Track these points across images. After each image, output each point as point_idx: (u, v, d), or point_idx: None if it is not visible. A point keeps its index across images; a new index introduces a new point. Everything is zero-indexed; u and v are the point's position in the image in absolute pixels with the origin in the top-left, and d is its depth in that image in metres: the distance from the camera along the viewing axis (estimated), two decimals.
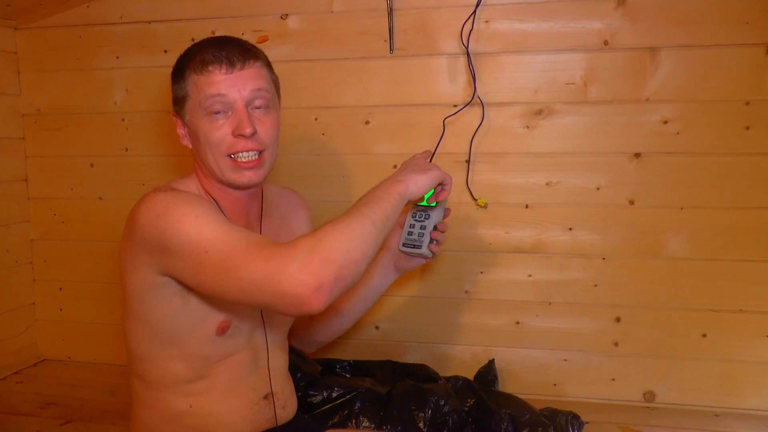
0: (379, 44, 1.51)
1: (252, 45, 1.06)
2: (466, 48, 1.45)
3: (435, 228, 1.19)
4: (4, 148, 1.71)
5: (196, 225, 0.90)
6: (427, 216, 1.19)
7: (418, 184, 1.02)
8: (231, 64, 1.00)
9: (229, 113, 1.01)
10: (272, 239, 0.91)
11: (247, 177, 1.04)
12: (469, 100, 1.46)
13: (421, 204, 1.18)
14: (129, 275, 1.01)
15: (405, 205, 1.02)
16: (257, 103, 1.02)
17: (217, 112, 1.00)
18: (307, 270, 0.81)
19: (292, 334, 1.29)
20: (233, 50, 1.01)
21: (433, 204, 1.17)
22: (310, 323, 1.35)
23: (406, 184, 1.00)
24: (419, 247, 1.19)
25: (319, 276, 0.81)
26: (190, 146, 1.08)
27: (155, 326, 1.04)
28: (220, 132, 1.01)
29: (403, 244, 1.21)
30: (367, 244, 0.88)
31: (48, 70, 1.72)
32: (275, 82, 1.09)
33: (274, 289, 0.82)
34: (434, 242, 1.20)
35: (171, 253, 0.91)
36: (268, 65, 1.08)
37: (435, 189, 1.11)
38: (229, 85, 1.00)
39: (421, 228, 1.19)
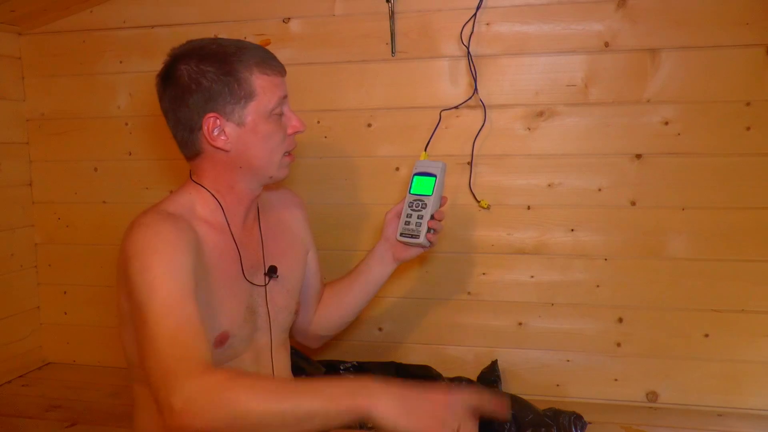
0: (381, 47, 1.52)
1: None
2: (468, 50, 1.46)
3: (432, 217, 1.18)
4: (8, 152, 1.72)
5: (154, 282, 0.89)
6: (423, 205, 1.18)
7: (388, 419, 0.79)
8: (281, 65, 1.05)
9: None
10: (208, 340, 0.88)
11: (289, 168, 1.10)
12: (469, 99, 1.46)
13: (416, 192, 1.18)
14: (119, 294, 1.02)
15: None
16: None
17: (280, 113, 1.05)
18: (191, 405, 0.78)
19: (294, 330, 1.29)
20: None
21: (430, 193, 1.18)
22: (312, 318, 1.35)
23: (370, 409, 0.79)
24: (417, 236, 1.18)
25: (193, 417, 0.78)
26: (227, 148, 1.01)
27: None
28: (282, 132, 1.05)
29: (401, 234, 1.20)
30: (266, 427, 0.79)
31: (52, 75, 1.72)
32: None
33: (161, 390, 0.81)
34: (432, 231, 1.18)
35: (130, 293, 0.93)
36: None
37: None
38: (285, 86, 1.06)
39: (418, 217, 1.18)
